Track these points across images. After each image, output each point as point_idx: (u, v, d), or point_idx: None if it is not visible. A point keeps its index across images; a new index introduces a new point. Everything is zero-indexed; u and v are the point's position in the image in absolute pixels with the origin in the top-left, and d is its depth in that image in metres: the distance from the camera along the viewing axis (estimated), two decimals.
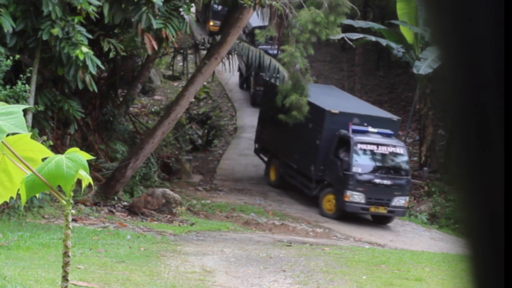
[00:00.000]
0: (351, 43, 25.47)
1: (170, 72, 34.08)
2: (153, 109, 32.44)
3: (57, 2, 16.05)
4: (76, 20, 16.37)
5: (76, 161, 2.49)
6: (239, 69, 31.89)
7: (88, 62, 16.30)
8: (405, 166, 22.08)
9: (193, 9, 20.58)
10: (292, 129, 23.14)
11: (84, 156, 2.53)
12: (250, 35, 32.60)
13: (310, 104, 22.61)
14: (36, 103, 17.42)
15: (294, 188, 24.34)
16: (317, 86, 26.68)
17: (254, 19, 30.09)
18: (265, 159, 26.03)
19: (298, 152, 23.75)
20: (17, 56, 16.52)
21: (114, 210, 19.85)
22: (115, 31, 21.55)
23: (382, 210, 21.72)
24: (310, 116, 22.61)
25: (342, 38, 24.98)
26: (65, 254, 2.69)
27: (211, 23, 38.17)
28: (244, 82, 34.29)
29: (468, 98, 0.95)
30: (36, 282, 10.49)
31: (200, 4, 21.38)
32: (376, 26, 28.33)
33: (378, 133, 22.14)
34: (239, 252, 15.02)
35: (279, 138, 24.42)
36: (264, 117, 25.94)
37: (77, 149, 2.59)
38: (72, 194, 2.56)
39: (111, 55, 18.23)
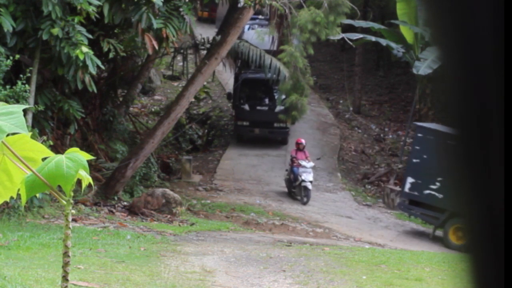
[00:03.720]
0: (351, 43, 25.46)
1: (170, 72, 34.07)
2: (153, 109, 32.43)
3: (57, 2, 16.05)
4: (76, 20, 16.36)
5: (76, 161, 2.50)
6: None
7: (88, 62, 16.30)
8: None
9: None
10: None
11: (84, 156, 2.53)
12: None
13: None
14: (36, 103, 17.42)
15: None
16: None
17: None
18: (427, 215, 22.24)
19: None
20: (17, 56, 16.52)
21: (114, 210, 19.84)
22: (115, 31, 21.54)
23: None
24: None
25: (342, 38, 24.97)
26: (65, 254, 2.69)
27: None
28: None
29: (468, 98, 0.95)
30: (36, 282, 10.49)
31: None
32: (376, 26, 28.33)
33: None
34: (239, 252, 15.00)
35: None
36: (427, 169, 21.64)
37: (77, 149, 2.59)
38: (72, 194, 2.56)
39: (111, 55, 18.23)
